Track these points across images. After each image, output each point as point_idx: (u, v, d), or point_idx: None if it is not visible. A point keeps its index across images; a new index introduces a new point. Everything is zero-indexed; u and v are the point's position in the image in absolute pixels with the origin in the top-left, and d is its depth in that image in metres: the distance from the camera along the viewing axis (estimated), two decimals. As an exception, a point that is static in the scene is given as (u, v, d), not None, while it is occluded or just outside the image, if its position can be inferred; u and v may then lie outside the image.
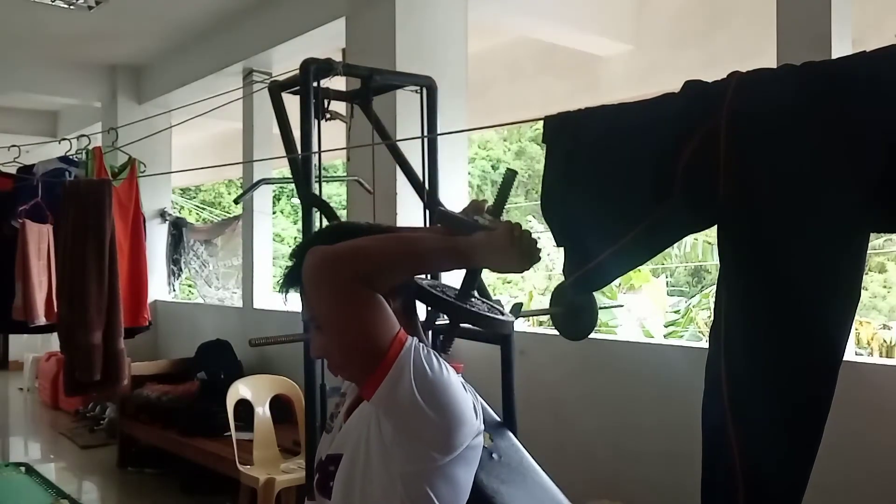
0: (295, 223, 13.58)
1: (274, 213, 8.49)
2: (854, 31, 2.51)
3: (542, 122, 1.86)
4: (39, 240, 4.30)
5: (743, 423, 1.49)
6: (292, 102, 2.34)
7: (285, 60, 4.97)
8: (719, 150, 1.49)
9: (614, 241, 1.69)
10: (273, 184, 6.67)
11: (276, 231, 10.03)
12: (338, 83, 2.49)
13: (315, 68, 2.27)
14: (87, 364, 3.70)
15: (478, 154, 13.07)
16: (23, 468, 4.93)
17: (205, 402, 4.66)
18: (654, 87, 3.46)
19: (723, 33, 4.47)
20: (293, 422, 3.95)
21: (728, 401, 1.51)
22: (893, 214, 1.40)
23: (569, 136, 1.82)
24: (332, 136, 2.49)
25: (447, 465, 1.21)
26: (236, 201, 7.39)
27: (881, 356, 6.39)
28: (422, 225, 2.55)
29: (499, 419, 2.02)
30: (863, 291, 1.58)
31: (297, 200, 7.83)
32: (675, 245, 7.40)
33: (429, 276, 1.64)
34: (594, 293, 1.95)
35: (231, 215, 8.15)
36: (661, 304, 7.68)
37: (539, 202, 1.88)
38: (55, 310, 4.02)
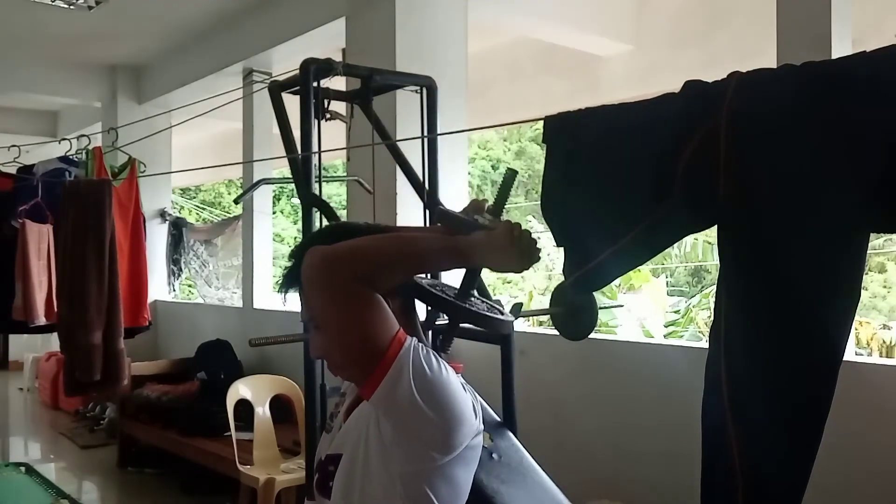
0: (295, 223, 13.58)
1: (274, 213, 8.48)
2: (854, 31, 2.51)
3: (542, 122, 1.86)
4: (39, 240, 4.30)
5: (743, 423, 1.49)
6: (292, 102, 2.34)
7: (285, 60, 4.97)
8: (719, 150, 1.49)
9: (614, 241, 1.69)
10: (273, 184, 6.67)
11: (276, 231, 10.02)
12: (338, 83, 2.49)
13: (315, 68, 2.27)
14: (87, 364, 3.70)
15: (478, 154, 13.07)
16: (23, 468, 4.93)
17: (205, 402, 4.66)
18: (654, 87, 3.46)
19: (723, 33, 4.47)
20: (293, 422, 3.95)
21: (728, 401, 1.51)
22: (893, 214, 1.40)
23: (569, 136, 1.82)
24: (332, 136, 2.49)
25: (447, 465, 1.21)
26: (236, 201, 7.39)
27: (881, 356, 6.38)
28: (422, 225, 2.55)
29: (499, 419, 2.02)
30: (863, 291, 1.58)
31: (297, 200, 7.82)
32: (675, 245, 7.40)
33: (428, 276, 1.64)
34: (594, 293, 1.95)
35: (231, 215, 8.15)
36: (661, 304, 7.68)
37: (539, 202, 1.88)
38: (55, 310, 4.02)
